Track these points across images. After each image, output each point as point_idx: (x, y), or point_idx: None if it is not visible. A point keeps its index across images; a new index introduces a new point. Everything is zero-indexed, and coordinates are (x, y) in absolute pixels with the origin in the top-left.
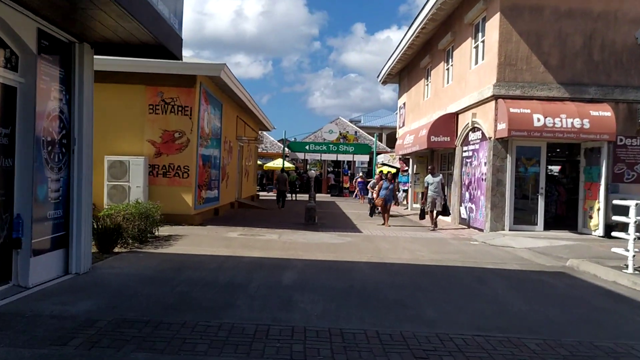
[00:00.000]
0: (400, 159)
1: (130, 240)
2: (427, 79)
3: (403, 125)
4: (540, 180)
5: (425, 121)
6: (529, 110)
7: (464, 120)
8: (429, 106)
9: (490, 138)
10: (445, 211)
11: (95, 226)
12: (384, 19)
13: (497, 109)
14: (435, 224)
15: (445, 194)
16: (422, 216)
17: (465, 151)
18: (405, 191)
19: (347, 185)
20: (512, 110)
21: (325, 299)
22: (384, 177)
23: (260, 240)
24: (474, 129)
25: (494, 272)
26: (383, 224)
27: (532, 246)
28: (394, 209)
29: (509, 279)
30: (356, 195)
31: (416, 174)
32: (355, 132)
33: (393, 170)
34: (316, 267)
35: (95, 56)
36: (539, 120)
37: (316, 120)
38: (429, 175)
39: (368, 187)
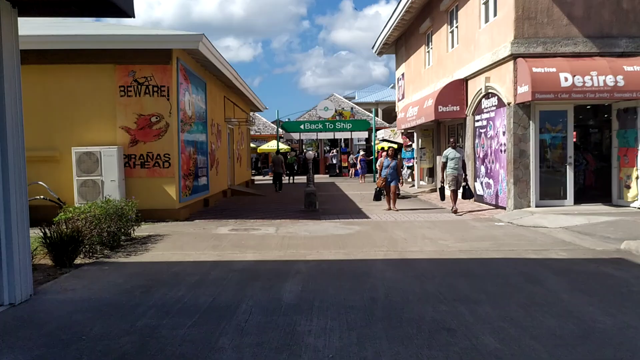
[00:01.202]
0: (402, 133)
1: (99, 247)
2: (428, 45)
3: (403, 97)
4: (568, 148)
5: (429, 91)
6: (554, 69)
7: (475, 87)
8: (432, 74)
9: (509, 104)
10: (465, 193)
11: (49, 234)
12: None
13: (516, 69)
14: (454, 207)
15: (466, 172)
16: (442, 197)
17: (478, 121)
18: (410, 167)
19: (346, 164)
20: (535, 69)
21: (341, 326)
22: (385, 155)
23: (255, 236)
24: (488, 95)
25: (542, 264)
26: (389, 209)
27: (568, 225)
28: (400, 189)
29: (566, 275)
30: (357, 174)
31: (421, 148)
32: (351, 108)
33: (395, 146)
34: (324, 271)
35: (30, 18)
36: (566, 79)
37: (309, 100)
38: (450, 149)
39: (377, 165)
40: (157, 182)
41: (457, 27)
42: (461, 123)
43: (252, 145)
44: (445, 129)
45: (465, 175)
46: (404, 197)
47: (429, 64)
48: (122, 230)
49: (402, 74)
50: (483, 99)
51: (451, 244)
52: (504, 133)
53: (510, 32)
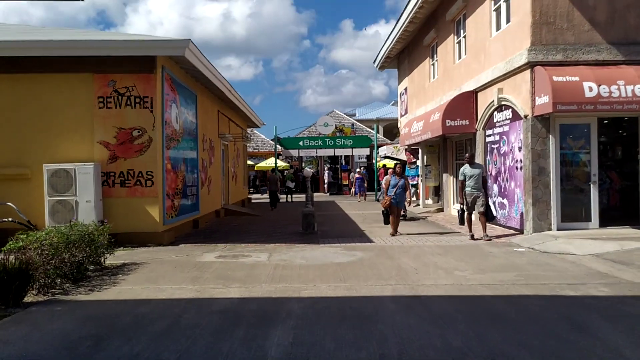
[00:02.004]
0: (406, 150)
1: (59, 281)
2: (433, 57)
3: (406, 112)
4: (592, 165)
5: (434, 105)
6: (577, 78)
7: (486, 99)
8: (437, 88)
9: (526, 116)
10: (488, 214)
11: None
12: (371, 14)
13: (534, 78)
14: (484, 231)
15: (487, 190)
16: (462, 220)
17: (489, 135)
18: (415, 186)
19: (346, 182)
20: (555, 78)
21: None
22: (394, 172)
23: (244, 264)
24: (501, 108)
25: (583, 304)
26: (393, 234)
27: (598, 252)
28: (406, 209)
29: (617, 320)
30: (355, 193)
31: (427, 165)
32: (352, 124)
33: (404, 158)
34: (321, 313)
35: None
36: (590, 89)
37: (310, 119)
38: (466, 166)
39: (383, 183)
40: (138, 203)
41: (464, 36)
42: (470, 138)
43: (249, 162)
44: (452, 144)
45: (487, 193)
46: (411, 219)
47: (433, 77)
48: (92, 258)
49: (405, 89)
50: (495, 112)
51: (469, 275)
52: (519, 149)
53: (526, 39)
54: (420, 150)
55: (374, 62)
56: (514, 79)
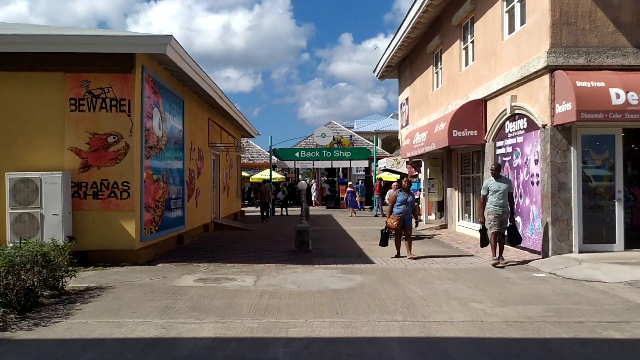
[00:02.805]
0: (407, 162)
1: (1, 311)
2: (437, 65)
3: (407, 124)
4: (617, 180)
5: (438, 115)
6: (602, 84)
7: (497, 108)
8: (442, 97)
9: (544, 126)
10: (513, 236)
11: None
12: (370, 28)
13: (554, 84)
14: (499, 255)
15: (513, 208)
16: (483, 242)
17: (500, 147)
18: (416, 201)
19: (344, 195)
20: (579, 84)
21: None
22: (398, 187)
23: (226, 290)
24: (515, 117)
25: (637, 351)
26: (398, 256)
27: (630, 279)
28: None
29: None
30: (355, 205)
31: (430, 179)
32: (350, 136)
33: (397, 177)
34: None
35: None
36: (618, 96)
37: (308, 131)
38: (491, 179)
39: (386, 199)
40: (113, 217)
41: (472, 42)
42: (478, 150)
43: (244, 174)
44: (457, 157)
45: (513, 212)
46: (415, 238)
47: (437, 86)
48: (48, 282)
49: (406, 99)
50: (507, 122)
51: (489, 308)
52: (536, 162)
53: (544, 41)
54: (422, 163)
55: (374, 71)
56: (530, 85)
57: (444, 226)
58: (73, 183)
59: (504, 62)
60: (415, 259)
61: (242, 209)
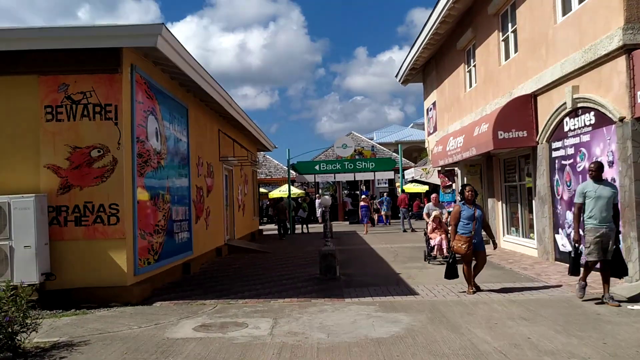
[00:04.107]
0: (439, 171)
1: None
2: (469, 62)
3: (434, 130)
4: None
5: (473, 118)
6: None
7: (552, 103)
8: (477, 97)
9: (622, 119)
10: (618, 265)
11: None
12: (384, 41)
13: (633, 67)
14: (607, 295)
15: (619, 225)
16: (575, 269)
17: (557, 149)
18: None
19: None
20: None
21: None
22: (461, 199)
23: (234, 345)
24: (577, 111)
25: None
26: (472, 289)
27: None
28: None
29: None
30: (380, 220)
31: None
32: (372, 147)
33: (435, 182)
34: None
35: None
36: None
37: (326, 145)
38: (589, 182)
39: (424, 214)
40: (99, 247)
41: (514, 31)
42: (527, 154)
43: (262, 190)
44: (499, 163)
45: (618, 230)
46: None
47: (470, 86)
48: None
49: (433, 104)
50: (567, 118)
51: None
52: (610, 164)
53: (616, 15)
54: (458, 172)
55: (396, 75)
56: (599, 72)
57: (487, 241)
58: (51, 207)
59: (558, 48)
60: (471, 294)
61: (260, 227)
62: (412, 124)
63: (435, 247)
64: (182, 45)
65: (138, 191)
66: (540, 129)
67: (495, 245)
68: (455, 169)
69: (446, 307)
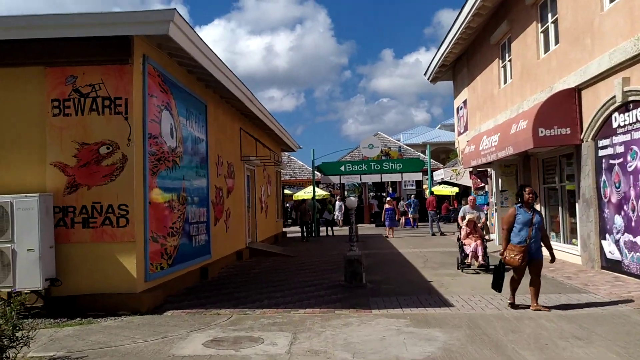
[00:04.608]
0: (471, 172)
1: None
2: (504, 57)
3: (465, 129)
4: None
5: (508, 115)
6: None
7: (598, 97)
8: (512, 93)
9: None
10: None
11: None
12: (411, 42)
13: None
14: None
15: None
16: None
17: (605, 147)
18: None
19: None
20: None
21: None
22: (519, 201)
23: None
24: (628, 106)
25: None
26: (513, 305)
27: None
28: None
29: None
30: (408, 223)
31: (502, 191)
32: (399, 147)
33: (466, 183)
34: None
35: None
36: None
37: (352, 147)
38: None
39: (458, 218)
40: (107, 250)
41: (554, 21)
42: (569, 153)
43: (287, 192)
44: (537, 163)
45: None
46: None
47: (505, 82)
48: None
49: (464, 102)
50: (616, 113)
51: None
52: None
53: None
54: (493, 172)
55: (425, 73)
56: None
57: None
58: (57, 208)
59: (606, 37)
60: (545, 309)
61: (284, 229)
62: (439, 125)
63: (470, 254)
64: (196, 33)
65: (150, 191)
66: (585, 126)
67: (553, 258)
68: (488, 169)
69: (486, 322)
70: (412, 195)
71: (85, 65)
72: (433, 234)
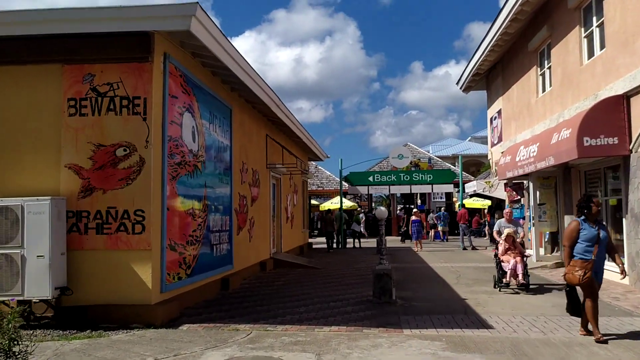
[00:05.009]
0: (506, 185)
1: None
2: (542, 64)
3: (499, 140)
4: None
5: (547, 125)
6: None
7: None
8: (552, 102)
9: None
10: None
11: None
12: (440, 55)
13: None
14: None
15: None
16: None
17: None
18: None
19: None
20: None
21: None
22: (581, 214)
23: None
24: None
25: None
26: (599, 340)
27: None
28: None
29: None
30: (437, 236)
31: (540, 204)
32: (429, 159)
33: (499, 196)
34: None
35: None
36: None
37: (380, 158)
38: None
39: (494, 232)
40: (122, 258)
41: (600, 24)
42: (615, 165)
43: (314, 202)
44: (579, 175)
45: None
46: (543, 285)
47: (543, 90)
48: None
49: (498, 112)
50: None
51: None
52: None
53: None
54: (530, 185)
55: (458, 82)
56: None
57: (560, 264)
58: (71, 212)
59: None
60: (601, 341)
61: (310, 240)
62: (469, 138)
63: (509, 272)
64: (220, 31)
65: (169, 197)
66: (634, 136)
67: (623, 273)
68: (524, 182)
69: (532, 347)
70: (442, 208)
71: (104, 63)
72: (464, 248)
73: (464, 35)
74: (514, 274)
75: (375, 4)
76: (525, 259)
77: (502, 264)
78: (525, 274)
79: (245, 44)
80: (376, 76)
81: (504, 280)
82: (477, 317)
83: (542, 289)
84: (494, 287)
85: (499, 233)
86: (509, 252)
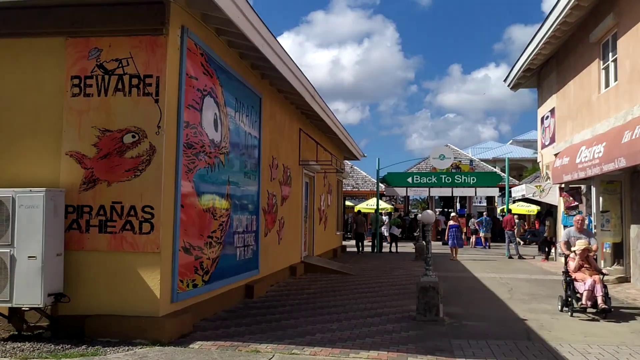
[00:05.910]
0: (562, 189)
1: None
2: (606, 57)
3: (552, 141)
4: None
5: (611, 124)
6: None
7: None
8: (617, 98)
9: None
10: None
11: None
12: (480, 58)
13: None
14: None
15: None
16: None
17: None
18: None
19: (464, 230)
20: None
21: None
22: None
23: None
24: None
25: None
26: None
27: None
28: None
29: None
30: (479, 242)
31: (603, 212)
32: (471, 161)
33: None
34: None
35: None
36: None
37: (416, 162)
38: None
39: (561, 244)
40: (126, 261)
41: None
42: None
43: (349, 203)
44: None
45: None
46: (623, 309)
47: (607, 85)
48: None
49: (551, 110)
50: None
51: None
52: None
53: None
54: (592, 190)
55: (506, 79)
56: None
57: (625, 279)
58: (71, 207)
59: None
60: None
61: (344, 243)
62: (511, 141)
63: (585, 293)
64: (248, 3)
65: (184, 192)
66: None
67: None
68: (582, 186)
69: None
70: (484, 213)
71: (112, 35)
72: (510, 257)
73: (503, 38)
74: (591, 297)
75: (414, 6)
76: (603, 277)
77: (575, 283)
78: (606, 297)
79: (284, 45)
80: (414, 79)
81: (581, 304)
82: (545, 344)
83: (620, 316)
84: (560, 311)
85: (567, 244)
86: (583, 268)
